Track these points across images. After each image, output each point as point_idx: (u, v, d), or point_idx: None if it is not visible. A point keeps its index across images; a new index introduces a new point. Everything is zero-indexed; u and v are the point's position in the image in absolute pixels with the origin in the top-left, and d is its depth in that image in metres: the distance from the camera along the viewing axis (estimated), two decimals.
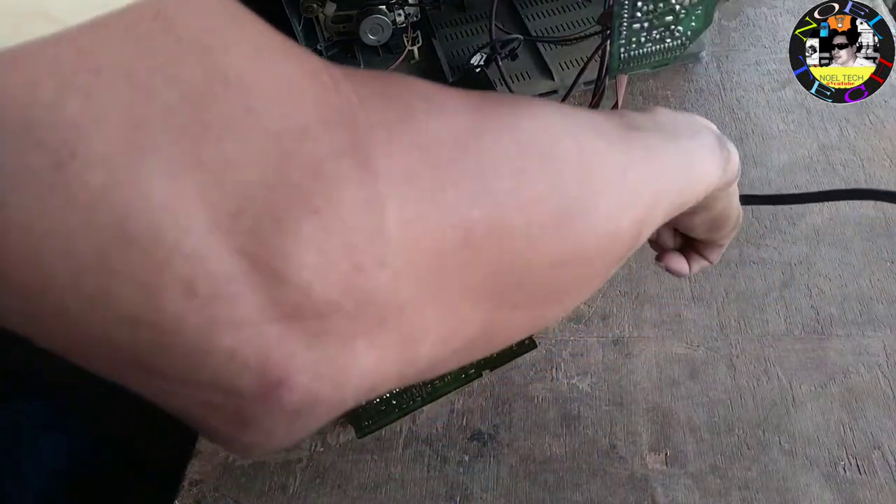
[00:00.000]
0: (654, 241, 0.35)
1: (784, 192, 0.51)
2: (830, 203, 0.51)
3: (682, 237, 0.35)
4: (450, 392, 0.41)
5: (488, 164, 0.16)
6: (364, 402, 0.41)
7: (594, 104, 0.38)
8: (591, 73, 0.40)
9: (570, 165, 0.18)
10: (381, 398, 0.41)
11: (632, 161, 0.21)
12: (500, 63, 0.57)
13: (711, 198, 0.27)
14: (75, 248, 0.11)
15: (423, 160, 0.15)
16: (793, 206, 0.51)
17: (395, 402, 0.41)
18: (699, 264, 0.35)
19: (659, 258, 0.35)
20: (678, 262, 0.35)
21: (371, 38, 0.59)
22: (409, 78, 0.17)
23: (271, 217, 0.12)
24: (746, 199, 0.34)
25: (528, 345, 0.40)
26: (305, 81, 0.14)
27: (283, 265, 0.13)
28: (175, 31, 0.12)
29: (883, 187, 0.51)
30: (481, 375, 0.40)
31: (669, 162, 0.23)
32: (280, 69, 0.13)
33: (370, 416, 0.41)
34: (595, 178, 0.19)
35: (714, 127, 0.27)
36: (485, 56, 0.57)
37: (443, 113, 0.16)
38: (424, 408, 0.42)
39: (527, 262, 0.17)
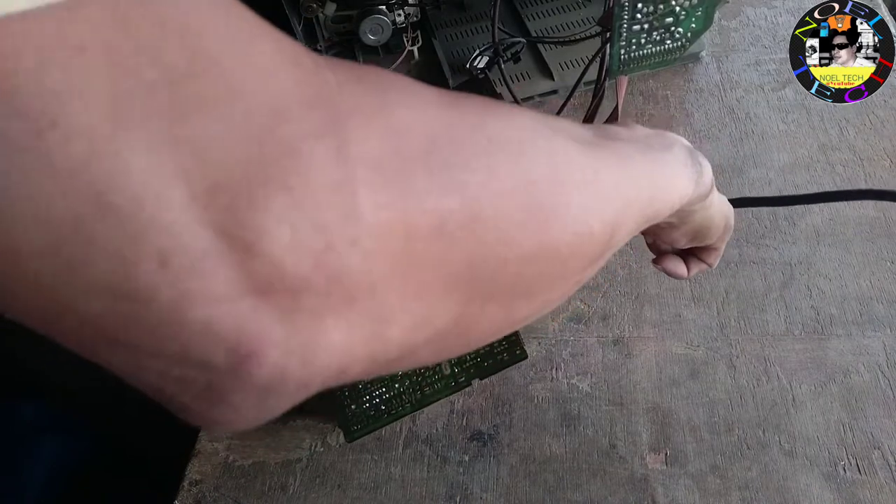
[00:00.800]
0: (652, 245, 0.35)
1: (784, 192, 0.52)
2: (830, 203, 0.51)
3: None
4: (440, 400, 0.41)
5: (459, 158, 0.17)
6: (354, 406, 0.41)
7: (594, 105, 0.38)
8: (592, 73, 0.41)
9: (540, 164, 0.19)
10: (370, 403, 0.41)
11: (603, 166, 0.21)
12: (502, 66, 0.57)
13: (687, 212, 0.28)
14: (53, 215, 0.11)
15: (397, 148, 0.15)
16: (793, 206, 0.51)
17: (384, 408, 0.41)
18: (698, 267, 0.35)
19: (656, 261, 0.35)
20: (676, 265, 0.35)
21: (371, 38, 0.59)
22: (386, 71, 0.17)
23: (247, 193, 0.13)
24: (741, 202, 0.34)
25: (518, 354, 0.40)
26: (287, 65, 0.14)
27: (256, 240, 0.13)
28: (158, 12, 0.12)
29: (882, 187, 0.51)
30: (470, 384, 0.40)
31: (641, 170, 0.24)
32: (262, 52, 0.14)
33: (359, 420, 0.41)
34: (565, 179, 0.20)
35: (687, 142, 0.28)
36: (487, 58, 0.57)
37: (417, 105, 0.17)
38: (424, 408, 0.42)
39: (500, 256, 0.18)
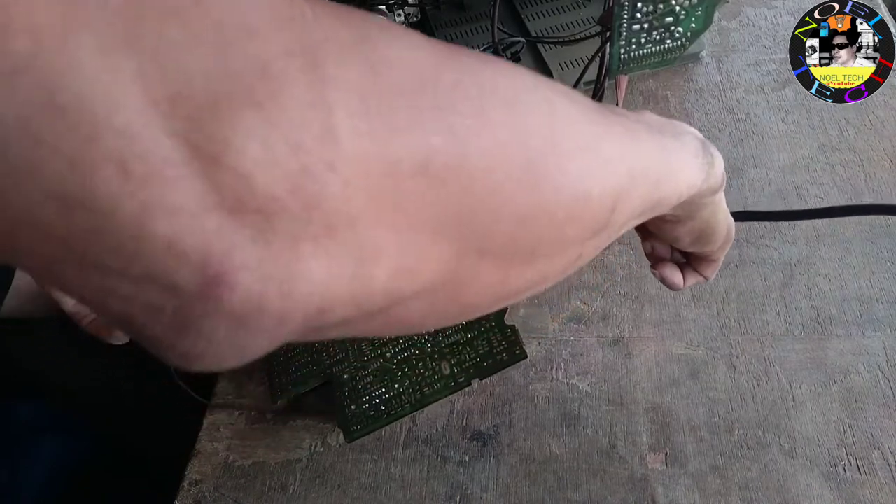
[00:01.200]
0: (651, 254, 0.35)
1: (784, 192, 0.51)
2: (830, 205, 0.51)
3: (678, 250, 0.35)
4: (439, 399, 0.40)
5: (447, 99, 0.16)
6: (353, 406, 0.41)
7: None
8: (592, 73, 0.41)
9: (537, 119, 0.18)
10: (370, 403, 0.41)
11: (608, 135, 0.21)
12: None
13: (695, 204, 0.27)
14: None
15: (376, 79, 0.15)
16: (793, 206, 0.51)
17: (384, 408, 0.41)
18: (694, 278, 0.35)
19: (654, 267, 0.35)
20: (672, 273, 0.34)
21: None
22: (373, 14, 0.17)
23: (212, 106, 0.12)
24: (744, 216, 0.34)
25: (518, 354, 0.39)
26: None
27: (222, 152, 0.12)
28: None
29: (883, 190, 0.51)
30: (470, 384, 0.40)
31: (649, 149, 0.23)
32: None
33: (359, 420, 0.41)
34: (565, 139, 0.19)
35: (699, 134, 0.27)
36: None
37: (402, 45, 0.16)
38: (425, 408, 0.42)
39: (492, 210, 0.17)
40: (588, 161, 0.19)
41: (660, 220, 0.29)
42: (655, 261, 0.35)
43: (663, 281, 0.35)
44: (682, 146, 0.25)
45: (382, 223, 0.15)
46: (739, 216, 0.33)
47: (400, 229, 0.15)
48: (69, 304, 0.41)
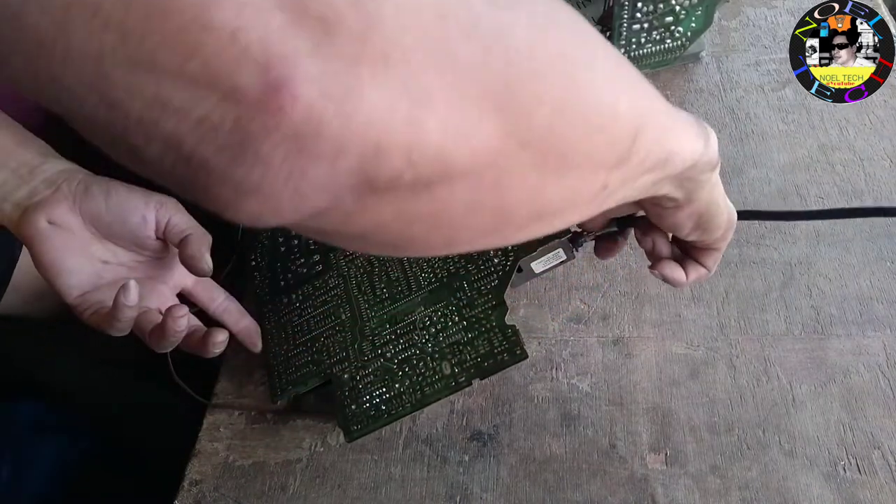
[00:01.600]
0: (651, 251, 0.35)
1: (784, 192, 0.51)
2: (830, 206, 0.51)
3: (678, 246, 0.35)
4: (439, 399, 0.40)
5: None
6: (354, 406, 0.41)
7: None
8: None
9: (573, 21, 0.18)
10: (370, 403, 0.41)
11: (625, 63, 0.21)
12: None
13: (695, 181, 0.27)
14: None
15: None
16: (793, 206, 0.51)
17: (384, 408, 0.41)
18: (696, 272, 0.34)
19: (653, 267, 0.35)
20: (673, 270, 0.34)
21: None
22: None
23: None
24: (747, 215, 0.34)
25: (518, 354, 0.39)
26: None
27: None
28: None
29: (883, 189, 0.51)
30: (471, 384, 0.40)
31: (658, 99, 0.23)
32: None
33: (359, 420, 0.41)
34: (598, 47, 0.19)
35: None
36: None
37: None
38: (425, 408, 0.42)
39: (533, 93, 0.17)
40: (617, 71, 0.20)
41: (660, 208, 0.29)
42: (655, 259, 0.35)
43: (664, 279, 0.34)
44: (679, 115, 0.26)
45: (434, 70, 0.15)
46: (743, 215, 0.33)
47: (449, 85, 0.15)
48: (71, 295, 0.41)
